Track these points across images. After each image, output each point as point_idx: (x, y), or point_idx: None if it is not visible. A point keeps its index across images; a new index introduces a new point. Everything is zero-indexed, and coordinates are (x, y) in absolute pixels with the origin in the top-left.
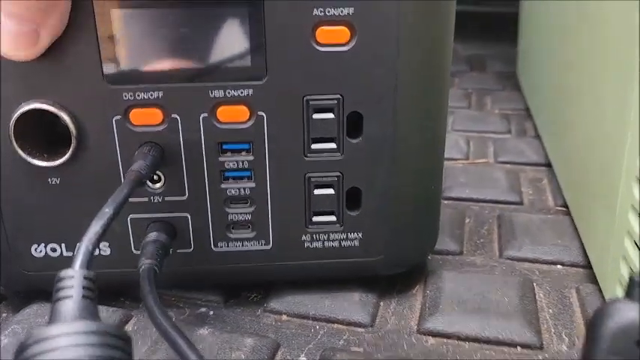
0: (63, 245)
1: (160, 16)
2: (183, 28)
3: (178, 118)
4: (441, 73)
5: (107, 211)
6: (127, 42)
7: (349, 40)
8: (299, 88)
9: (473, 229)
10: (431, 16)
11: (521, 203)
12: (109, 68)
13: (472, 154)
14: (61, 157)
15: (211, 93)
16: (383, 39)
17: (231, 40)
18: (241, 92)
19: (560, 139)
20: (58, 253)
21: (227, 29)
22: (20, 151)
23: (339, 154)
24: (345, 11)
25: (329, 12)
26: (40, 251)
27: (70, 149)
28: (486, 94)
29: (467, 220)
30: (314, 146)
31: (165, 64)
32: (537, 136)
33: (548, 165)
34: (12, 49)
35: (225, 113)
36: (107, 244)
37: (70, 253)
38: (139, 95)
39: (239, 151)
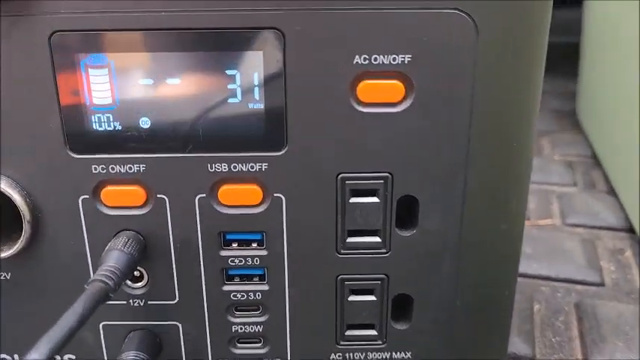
0: (16, 357)
1: (142, 62)
2: (174, 78)
3: (166, 199)
4: (526, 142)
5: (42, 351)
6: (98, 98)
7: (403, 99)
8: (331, 163)
9: (545, 321)
10: (517, 65)
11: (602, 284)
12: (73, 132)
13: (534, 213)
14: (11, 247)
15: (211, 167)
16: (450, 97)
17: (239, 96)
18: (252, 166)
19: None
20: None
21: (233, 81)
22: None
23: (385, 250)
24: (399, 59)
25: (376, 60)
26: None
27: (23, 237)
28: (543, 136)
29: (536, 307)
30: (351, 240)
31: (148, 127)
32: (611, 191)
33: (631, 230)
34: None
35: (229, 194)
36: (73, 357)
37: None
38: (113, 168)
39: (248, 242)
